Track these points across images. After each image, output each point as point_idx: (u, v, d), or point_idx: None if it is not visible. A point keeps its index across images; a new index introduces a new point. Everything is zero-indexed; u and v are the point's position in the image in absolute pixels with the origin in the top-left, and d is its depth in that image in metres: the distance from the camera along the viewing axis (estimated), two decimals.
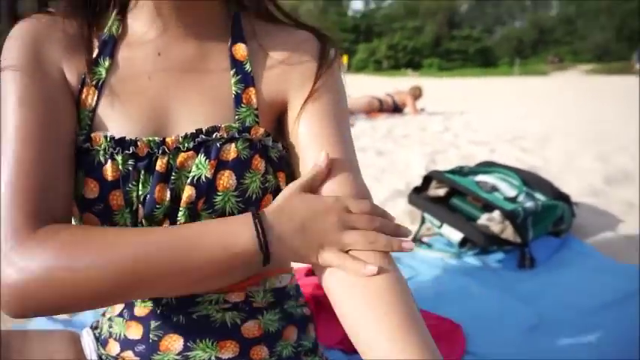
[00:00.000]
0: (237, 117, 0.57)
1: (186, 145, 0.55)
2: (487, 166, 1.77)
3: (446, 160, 3.10)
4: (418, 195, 1.64)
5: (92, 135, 0.54)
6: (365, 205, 0.53)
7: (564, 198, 1.63)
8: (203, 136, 0.54)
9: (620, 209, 1.97)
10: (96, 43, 0.58)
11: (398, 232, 0.53)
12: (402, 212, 1.96)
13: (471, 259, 1.46)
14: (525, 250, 1.40)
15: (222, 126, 0.55)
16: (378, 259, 0.49)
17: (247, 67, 0.59)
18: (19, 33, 0.56)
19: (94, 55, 0.57)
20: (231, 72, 0.58)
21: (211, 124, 0.55)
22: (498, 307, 1.15)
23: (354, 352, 0.97)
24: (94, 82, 0.56)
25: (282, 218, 0.50)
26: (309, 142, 0.57)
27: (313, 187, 0.54)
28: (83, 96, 0.56)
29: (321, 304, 1.09)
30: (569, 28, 51.17)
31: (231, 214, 0.55)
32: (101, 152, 0.54)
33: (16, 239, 0.47)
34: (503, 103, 9.16)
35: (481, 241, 1.40)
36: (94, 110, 0.56)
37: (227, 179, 0.54)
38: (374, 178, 2.61)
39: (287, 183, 0.60)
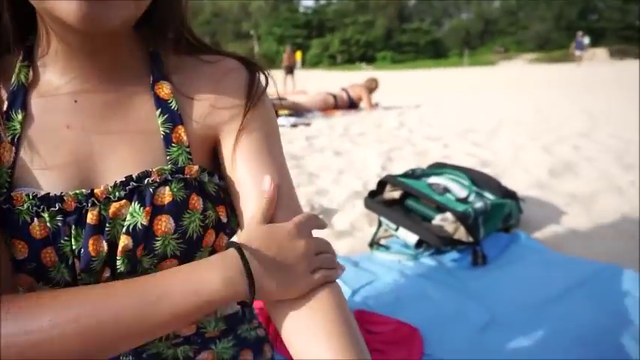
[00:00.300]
0: (168, 157, 0.55)
1: (117, 194, 0.52)
2: (438, 168, 1.83)
3: (402, 158, 3.17)
4: (373, 199, 1.67)
5: (12, 194, 0.50)
6: (316, 226, 0.56)
7: (511, 195, 1.71)
8: (134, 183, 0.52)
9: (563, 201, 2.08)
10: (4, 94, 0.53)
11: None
12: (360, 214, 1.99)
13: (427, 260, 1.50)
14: (477, 249, 1.45)
15: (154, 170, 0.53)
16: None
17: (173, 104, 0.57)
18: None
19: (4, 107, 0.53)
20: (157, 112, 0.56)
21: (142, 169, 0.53)
22: (453, 308, 1.20)
23: None
24: (9, 138, 0.52)
25: (257, 255, 0.49)
26: (248, 180, 0.56)
27: (270, 215, 0.53)
28: None
29: None
30: (512, 19, 53.28)
31: (173, 255, 0.54)
32: (25, 211, 0.50)
33: None
34: (454, 94, 9.45)
35: (435, 243, 1.45)
36: (12, 167, 0.52)
37: (165, 224, 0.53)
38: (332, 181, 2.63)
39: (227, 215, 0.59)
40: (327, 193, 2.40)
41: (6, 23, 0.52)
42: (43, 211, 0.50)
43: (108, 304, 0.45)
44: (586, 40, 21.76)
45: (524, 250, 1.54)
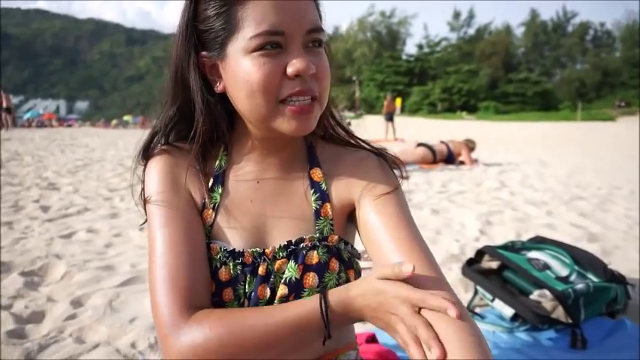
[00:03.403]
0: (317, 228, 0.75)
1: (280, 254, 0.73)
2: (539, 242, 1.85)
3: (501, 223, 3.14)
4: (470, 267, 1.75)
5: (210, 245, 0.74)
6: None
7: (618, 279, 1.67)
8: (293, 246, 0.73)
9: None
10: (210, 174, 0.78)
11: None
12: (456, 279, 2.05)
13: (522, 335, 1.53)
14: (577, 331, 1.46)
15: (307, 237, 0.73)
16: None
17: (323, 186, 0.78)
18: (156, 165, 0.76)
19: (210, 183, 0.77)
20: (311, 191, 0.77)
21: (298, 236, 0.74)
22: None
23: None
24: (211, 205, 0.76)
25: (347, 309, 0.63)
26: (382, 230, 0.71)
27: (388, 278, 0.62)
28: (204, 215, 0.75)
29: None
30: (635, 71, 48.87)
31: None
32: (217, 259, 0.73)
33: (180, 322, 0.65)
34: (563, 151, 8.92)
35: (532, 320, 1.48)
36: (211, 226, 0.75)
37: (311, 279, 0.72)
38: (429, 240, 2.70)
39: (354, 277, 0.77)
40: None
41: (216, 129, 0.76)
42: (229, 261, 0.73)
43: (265, 325, 0.64)
44: None
45: (631, 339, 1.49)
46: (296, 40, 0.68)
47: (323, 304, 0.63)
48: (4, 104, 17.11)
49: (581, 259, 1.69)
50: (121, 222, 3.28)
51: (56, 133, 17.41)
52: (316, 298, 0.64)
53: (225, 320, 0.65)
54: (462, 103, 48.72)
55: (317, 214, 0.77)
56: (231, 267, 0.73)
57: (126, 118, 42.01)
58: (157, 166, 0.77)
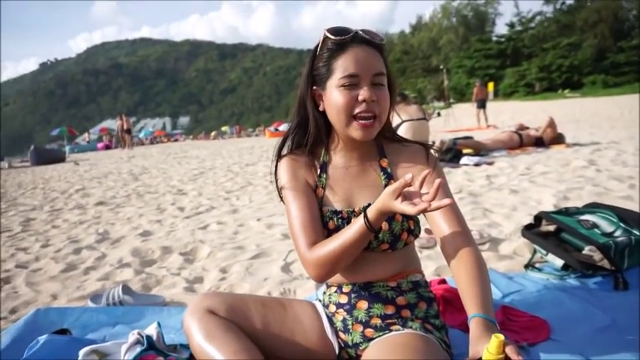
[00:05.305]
0: None
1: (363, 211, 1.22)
2: (592, 207, 2.13)
3: (579, 197, 3.32)
4: (528, 231, 2.10)
5: (322, 209, 1.26)
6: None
7: None
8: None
9: None
10: (317, 166, 1.29)
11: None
12: (523, 243, 2.40)
13: (571, 281, 1.86)
14: (619, 275, 1.76)
15: None
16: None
17: (389, 169, 1.27)
18: (284, 165, 1.29)
19: (318, 172, 1.29)
20: (381, 173, 1.27)
21: (374, 200, 1.19)
22: (582, 312, 1.58)
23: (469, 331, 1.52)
24: (321, 186, 1.28)
25: (379, 216, 1.06)
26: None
27: (399, 191, 1.00)
28: (317, 192, 1.28)
29: (447, 301, 1.67)
30: None
31: (387, 241, 1.21)
32: (326, 216, 1.24)
33: (307, 250, 1.18)
34: None
35: (576, 266, 1.81)
36: (321, 199, 1.28)
37: (384, 225, 1.19)
38: (504, 216, 3.03)
39: (413, 225, 1.25)
40: (498, 226, 2.83)
41: (320, 135, 1.28)
42: (333, 216, 1.24)
43: (344, 243, 1.12)
44: None
45: None
46: (366, 79, 1.17)
47: (365, 217, 1.08)
48: (125, 126, 19.88)
49: (627, 218, 1.96)
50: (241, 216, 4.01)
51: (168, 147, 19.57)
52: (361, 216, 1.09)
53: (325, 245, 1.16)
54: (564, 80, 44.89)
55: (385, 187, 1.26)
56: (335, 220, 1.25)
57: (223, 129, 45.28)
58: (284, 166, 1.30)
